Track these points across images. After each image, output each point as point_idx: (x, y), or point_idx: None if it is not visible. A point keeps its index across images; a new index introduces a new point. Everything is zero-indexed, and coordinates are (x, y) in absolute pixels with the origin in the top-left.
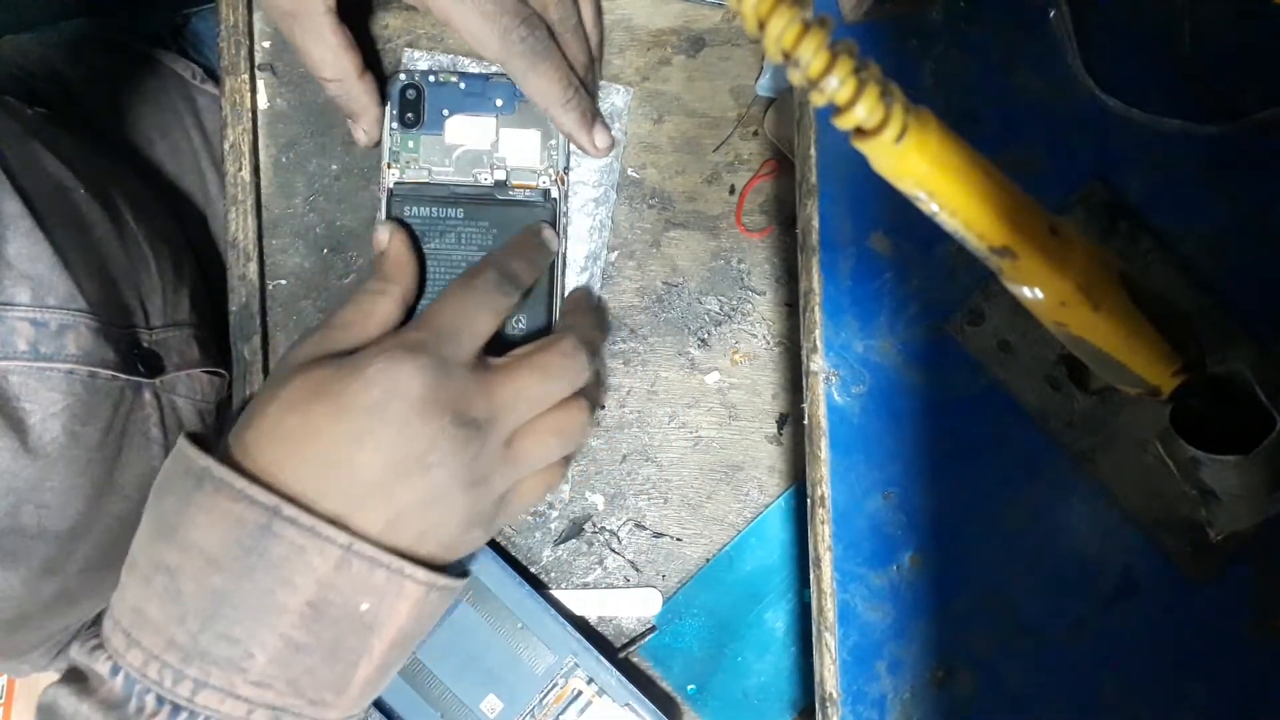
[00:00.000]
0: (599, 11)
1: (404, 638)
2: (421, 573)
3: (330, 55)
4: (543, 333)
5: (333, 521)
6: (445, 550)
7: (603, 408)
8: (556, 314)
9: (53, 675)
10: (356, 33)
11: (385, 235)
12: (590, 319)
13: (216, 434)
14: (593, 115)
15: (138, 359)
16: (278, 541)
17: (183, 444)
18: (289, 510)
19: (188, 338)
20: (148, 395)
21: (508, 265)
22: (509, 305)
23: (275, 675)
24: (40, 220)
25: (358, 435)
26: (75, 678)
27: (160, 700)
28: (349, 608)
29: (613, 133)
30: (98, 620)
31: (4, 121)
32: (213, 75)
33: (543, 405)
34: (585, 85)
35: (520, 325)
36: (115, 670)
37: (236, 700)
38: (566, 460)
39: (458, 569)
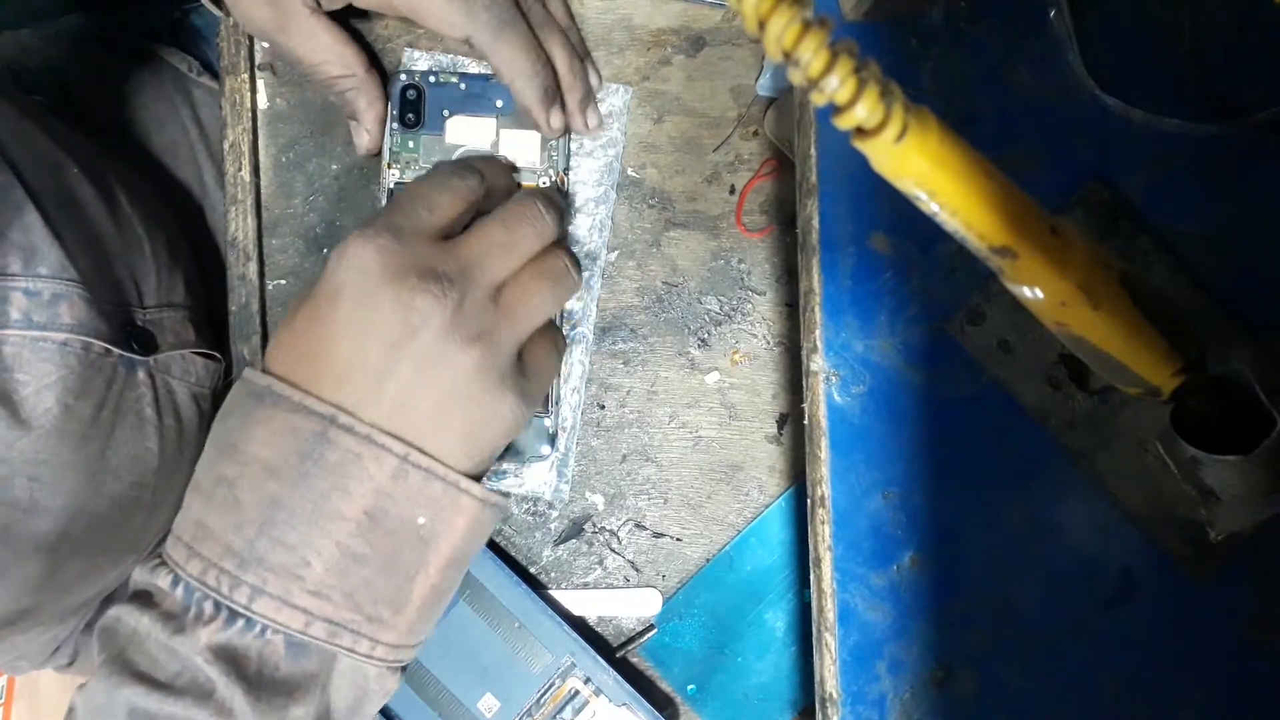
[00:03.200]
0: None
1: (459, 555)
2: (477, 488)
3: (332, 55)
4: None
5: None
6: (478, 428)
7: (579, 284)
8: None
9: (51, 674)
10: (355, 36)
11: None
12: (545, 193)
13: (214, 421)
14: (554, 95)
15: (131, 336)
16: (333, 448)
17: (247, 372)
18: (345, 419)
19: (182, 319)
20: (141, 374)
21: (468, 160)
22: (467, 187)
23: (332, 586)
24: (31, 193)
25: (334, 324)
26: (137, 596)
27: (217, 606)
28: (406, 519)
29: (612, 133)
30: (93, 623)
31: None
32: (210, 69)
33: (516, 255)
34: (554, 63)
35: None
36: (176, 582)
37: (293, 610)
38: (559, 333)
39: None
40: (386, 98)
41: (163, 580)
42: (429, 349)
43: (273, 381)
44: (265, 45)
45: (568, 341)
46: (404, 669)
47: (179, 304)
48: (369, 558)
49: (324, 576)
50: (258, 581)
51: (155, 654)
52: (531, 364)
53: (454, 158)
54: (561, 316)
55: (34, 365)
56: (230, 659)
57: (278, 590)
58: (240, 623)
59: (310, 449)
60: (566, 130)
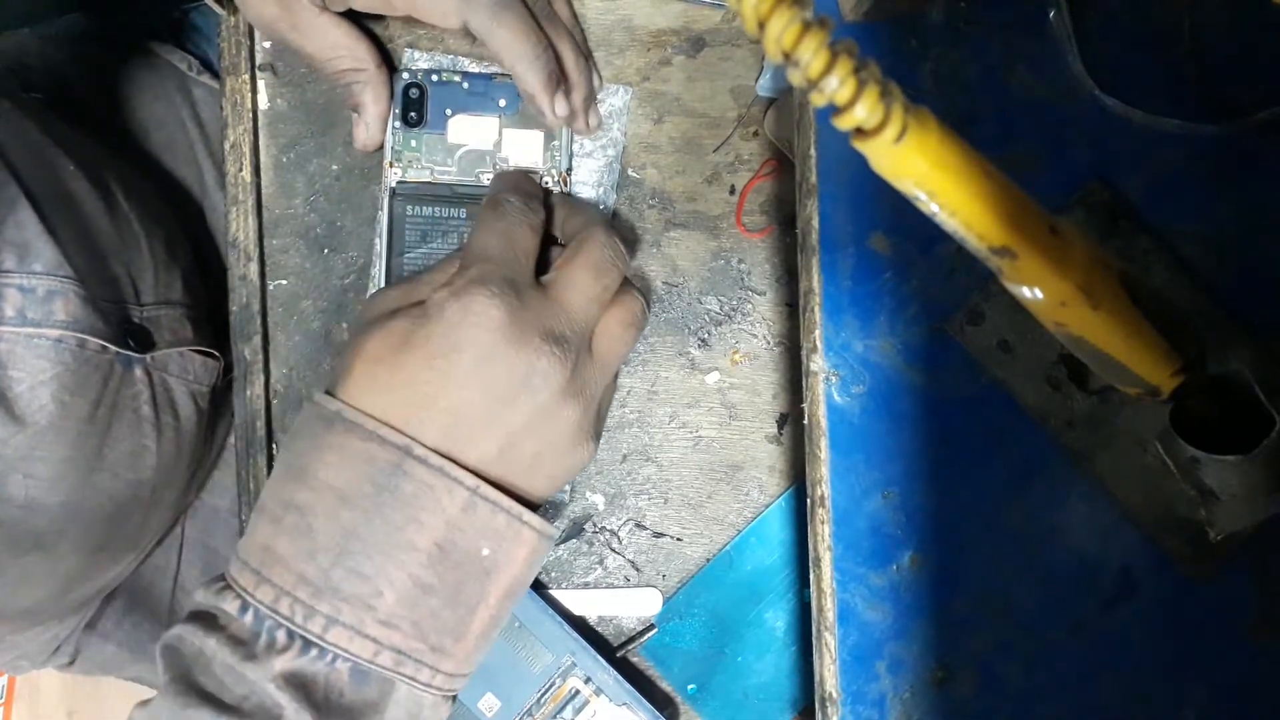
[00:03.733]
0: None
1: (515, 586)
2: (537, 520)
3: (343, 50)
4: None
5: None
6: (563, 472)
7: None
8: None
9: (51, 673)
10: (365, 34)
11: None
12: (588, 210)
13: (214, 420)
14: (558, 81)
15: (127, 333)
16: (408, 480)
17: (317, 396)
18: (420, 450)
19: (180, 316)
20: (138, 372)
21: (519, 185)
22: (540, 219)
23: (402, 616)
24: (27, 190)
25: (455, 376)
26: (199, 617)
27: (291, 635)
28: (471, 551)
29: (613, 133)
30: (93, 622)
31: None
32: (210, 68)
33: (605, 301)
34: (560, 57)
35: None
36: (244, 608)
37: (364, 640)
38: None
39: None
40: (392, 95)
41: (229, 605)
42: (543, 406)
43: (342, 407)
44: (266, 45)
45: None
46: (455, 698)
47: (177, 302)
48: (437, 588)
49: (395, 607)
50: (332, 611)
51: (222, 676)
52: (604, 404)
53: (456, 157)
54: None
55: (28, 362)
56: (300, 685)
57: (351, 620)
58: (313, 651)
59: (385, 480)
60: (569, 123)
